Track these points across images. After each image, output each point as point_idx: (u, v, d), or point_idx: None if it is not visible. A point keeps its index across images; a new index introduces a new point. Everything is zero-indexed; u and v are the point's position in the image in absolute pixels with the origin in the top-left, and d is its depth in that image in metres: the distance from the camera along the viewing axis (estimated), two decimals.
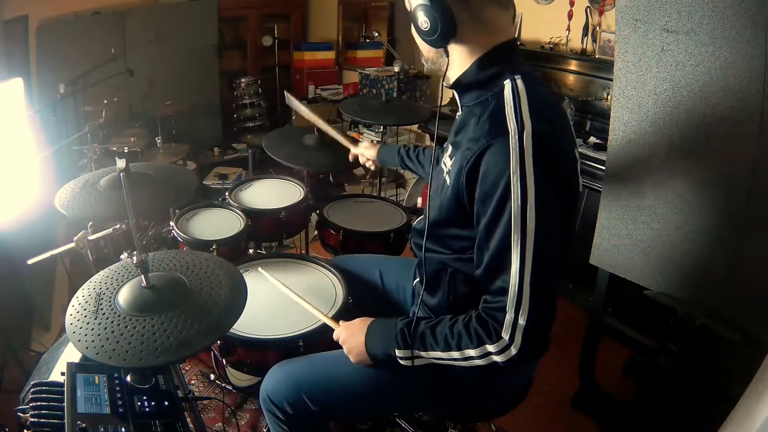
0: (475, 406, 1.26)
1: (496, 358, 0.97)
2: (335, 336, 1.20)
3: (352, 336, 1.15)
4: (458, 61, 1.06)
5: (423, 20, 0.99)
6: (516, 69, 1.02)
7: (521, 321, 0.93)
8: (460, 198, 1.02)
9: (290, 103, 2.03)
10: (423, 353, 1.05)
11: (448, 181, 1.07)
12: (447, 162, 1.11)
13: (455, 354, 1.01)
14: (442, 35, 0.99)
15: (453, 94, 1.15)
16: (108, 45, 3.37)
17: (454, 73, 1.08)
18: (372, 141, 1.88)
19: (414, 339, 1.05)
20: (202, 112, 4.25)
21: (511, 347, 0.94)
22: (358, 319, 1.18)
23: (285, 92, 2.08)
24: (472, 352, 0.99)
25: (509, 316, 0.94)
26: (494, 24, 1.03)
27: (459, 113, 1.14)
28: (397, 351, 1.07)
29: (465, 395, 1.19)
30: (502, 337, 0.95)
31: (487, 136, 0.96)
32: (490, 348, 0.96)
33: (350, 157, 1.89)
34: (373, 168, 1.84)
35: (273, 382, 1.21)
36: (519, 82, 1.00)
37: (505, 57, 1.04)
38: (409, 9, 1.04)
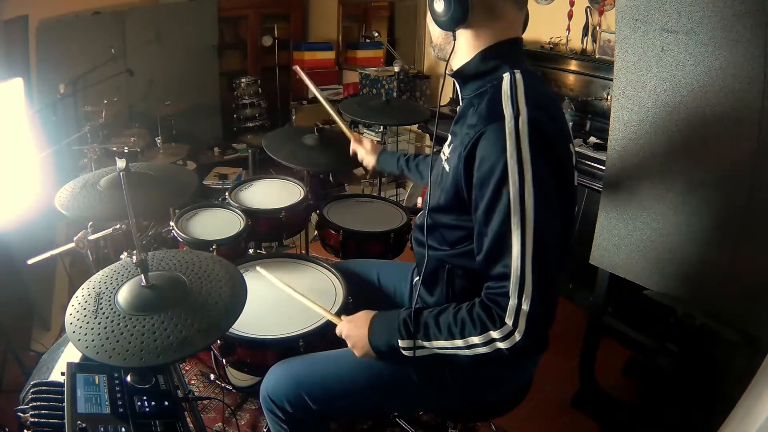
0: (475, 403, 1.26)
1: (500, 345, 0.96)
2: (338, 331, 1.20)
3: (355, 329, 1.15)
4: (464, 49, 1.08)
5: (438, 0, 1.02)
6: (517, 65, 1.04)
7: (525, 306, 0.93)
8: (458, 184, 1.03)
9: (300, 76, 2.04)
10: (426, 343, 1.05)
11: (447, 168, 1.09)
12: (446, 151, 1.13)
13: (459, 342, 1.01)
14: (453, 17, 1.01)
15: (453, 93, 1.16)
16: (108, 45, 3.38)
17: (457, 62, 1.10)
18: (373, 142, 1.87)
19: (417, 328, 1.05)
20: (202, 112, 4.25)
21: (515, 333, 0.94)
22: (360, 312, 1.18)
23: (295, 66, 2.10)
24: (475, 340, 0.98)
25: (513, 302, 0.94)
26: (504, 18, 1.05)
27: (459, 106, 1.16)
28: (400, 341, 1.06)
29: (465, 392, 1.19)
30: (506, 323, 0.95)
31: (484, 121, 0.98)
32: (494, 334, 0.96)
33: (351, 151, 1.89)
34: (369, 168, 1.85)
35: (273, 381, 1.21)
36: (518, 75, 1.02)
37: (509, 53, 1.06)
38: None
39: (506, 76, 1.02)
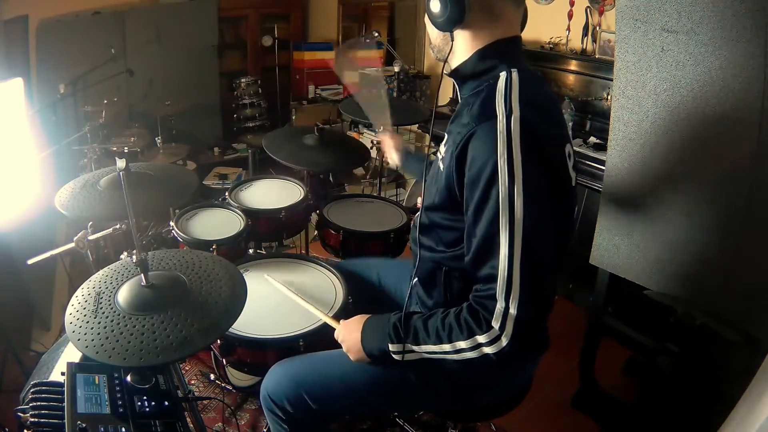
0: (475, 403, 1.26)
1: (487, 350, 0.95)
2: (336, 335, 1.20)
3: (349, 334, 1.16)
4: (461, 49, 1.07)
5: (435, 2, 1.01)
6: (515, 64, 1.03)
7: (512, 310, 0.92)
8: (450, 184, 1.03)
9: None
10: (415, 347, 1.05)
11: (441, 167, 1.08)
12: (441, 150, 1.12)
13: (446, 347, 1.00)
14: (450, 18, 1.00)
15: (453, 93, 1.16)
16: (108, 45, 3.37)
17: (455, 62, 1.10)
18: (397, 138, 1.80)
19: (407, 333, 1.05)
20: (202, 112, 4.25)
21: (502, 337, 0.93)
22: (355, 317, 1.18)
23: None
24: (462, 344, 0.98)
25: (500, 305, 0.93)
26: (502, 17, 1.04)
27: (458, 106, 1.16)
28: (390, 346, 1.07)
29: (465, 393, 1.19)
30: (492, 327, 0.94)
31: (476, 120, 0.97)
32: (481, 339, 0.95)
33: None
34: (394, 163, 1.78)
35: (274, 381, 1.21)
36: (515, 74, 1.01)
37: (507, 52, 1.05)
38: None
39: (502, 75, 1.01)
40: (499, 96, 0.98)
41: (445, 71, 1.13)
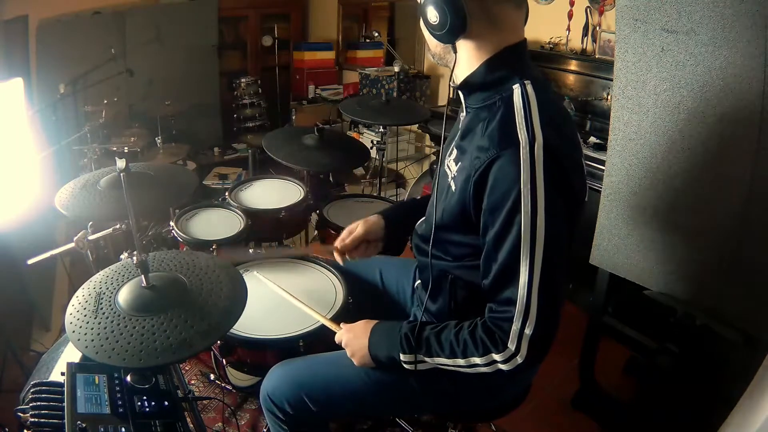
0: (475, 407, 1.26)
1: (502, 366, 0.97)
2: (337, 339, 1.20)
3: (355, 339, 1.15)
4: (466, 59, 1.03)
5: (432, 13, 0.97)
6: (525, 73, 1.00)
7: (527, 331, 0.93)
8: (465, 206, 1.00)
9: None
10: (427, 359, 1.05)
11: (453, 187, 1.04)
12: (451, 166, 1.07)
13: (460, 361, 1.01)
14: (451, 30, 0.96)
15: (454, 94, 1.14)
16: (108, 45, 3.38)
17: (461, 72, 1.05)
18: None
19: (419, 344, 1.05)
20: (202, 112, 4.25)
21: (517, 356, 0.95)
22: (360, 322, 1.17)
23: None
24: (477, 360, 0.99)
25: (516, 327, 0.94)
26: (506, 23, 1.00)
27: (463, 114, 1.12)
28: (401, 355, 1.06)
29: (465, 397, 1.19)
30: (509, 347, 0.95)
31: (497, 146, 0.94)
32: (496, 357, 0.97)
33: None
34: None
35: (274, 382, 1.21)
36: (529, 88, 0.97)
37: (515, 60, 1.02)
38: (418, 0, 1.01)
39: (516, 89, 0.97)
40: (519, 116, 0.94)
41: (451, 83, 1.09)
